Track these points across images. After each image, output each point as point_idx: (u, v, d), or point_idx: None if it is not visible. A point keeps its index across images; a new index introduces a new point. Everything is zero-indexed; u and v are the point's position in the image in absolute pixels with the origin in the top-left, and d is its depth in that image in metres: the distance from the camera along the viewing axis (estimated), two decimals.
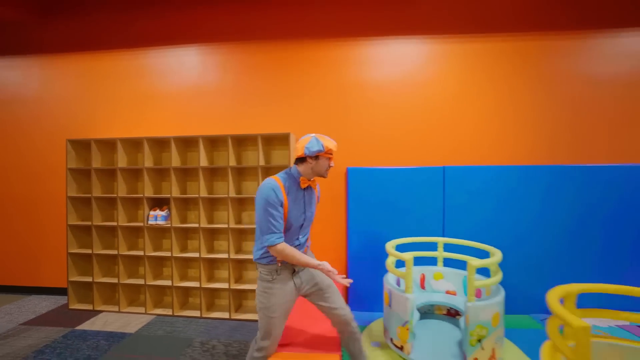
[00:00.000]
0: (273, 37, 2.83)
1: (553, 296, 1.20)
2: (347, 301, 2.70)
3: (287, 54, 2.82)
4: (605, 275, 2.54)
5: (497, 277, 1.85)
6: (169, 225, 2.71)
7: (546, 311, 2.57)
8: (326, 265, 1.45)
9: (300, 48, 2.81)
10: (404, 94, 2.74)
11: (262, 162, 2.61)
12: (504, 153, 2.71)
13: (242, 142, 2.80)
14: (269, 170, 2.76)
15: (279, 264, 1.48)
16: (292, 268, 1.51)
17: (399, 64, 2.74)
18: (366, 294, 2.63)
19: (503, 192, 2.58)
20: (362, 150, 2.74)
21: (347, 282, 1.45)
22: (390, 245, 2.11)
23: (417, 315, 2.06)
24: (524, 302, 2.57)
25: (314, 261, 1.45)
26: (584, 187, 2.54)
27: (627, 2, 2.64)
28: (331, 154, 1.52)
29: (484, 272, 2.48)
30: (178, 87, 2.96)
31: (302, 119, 2.79)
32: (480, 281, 1.78)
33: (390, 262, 2.04)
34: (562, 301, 1.33)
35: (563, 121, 2.68)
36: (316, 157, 1.48)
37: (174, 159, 2.71)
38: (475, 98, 2.71)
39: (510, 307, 2.50)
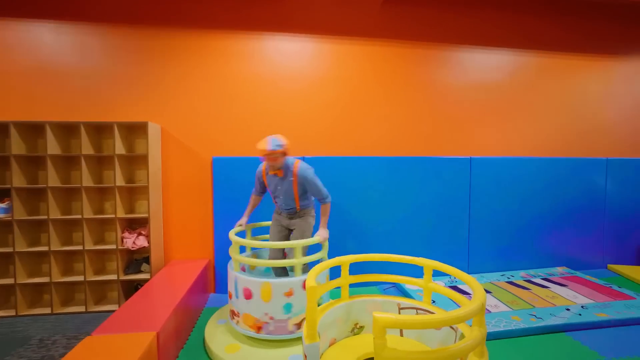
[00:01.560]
0: (149, 22, 2.76)
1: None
2: (214, 284, 2.81)
3: (160, 41, 2.77)
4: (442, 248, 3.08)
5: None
6: (10, 218, 2.49)
7: (393, 284, 3.01)
8: None
9: (176, 36, 2.78)
10: (282, 88, 2.91)
11: (121, 151, 2.55)
12: (370, 145, 3.06)
13: (102, 130, 2.69)
14: (130, 160, 2.71)
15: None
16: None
17: (281, 60, 2.89)
18: None
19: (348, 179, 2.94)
20: (230, 142, 2.85)
21: None
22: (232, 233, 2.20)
23: None
24: None
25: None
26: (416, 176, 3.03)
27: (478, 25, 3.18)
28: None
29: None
30: (25, 65, 2.69)
31: (172, 109, 2.78)
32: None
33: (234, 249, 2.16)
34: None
35: (424, 118, 3.14)
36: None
37: (15, 146, 2.49)
38: (342, 95, 3.01)
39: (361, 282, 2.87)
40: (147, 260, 2.60)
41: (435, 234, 3.07)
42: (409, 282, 1.67)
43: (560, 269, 3.22)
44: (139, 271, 2.59)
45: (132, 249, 2.44)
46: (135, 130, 2.74)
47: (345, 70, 3.00)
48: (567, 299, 2.52)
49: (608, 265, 3.37)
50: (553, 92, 3.43)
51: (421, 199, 3.03)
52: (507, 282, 2.90)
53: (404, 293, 2.71)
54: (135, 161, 2.75)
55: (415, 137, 3.17)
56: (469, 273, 3.14)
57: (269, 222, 2.41)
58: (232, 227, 2.77)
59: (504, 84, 3.33)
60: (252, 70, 2.86)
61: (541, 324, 2.13)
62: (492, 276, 3.05)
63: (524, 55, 3.34)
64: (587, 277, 2.98)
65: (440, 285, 1.63)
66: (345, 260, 1.67)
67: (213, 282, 2.82)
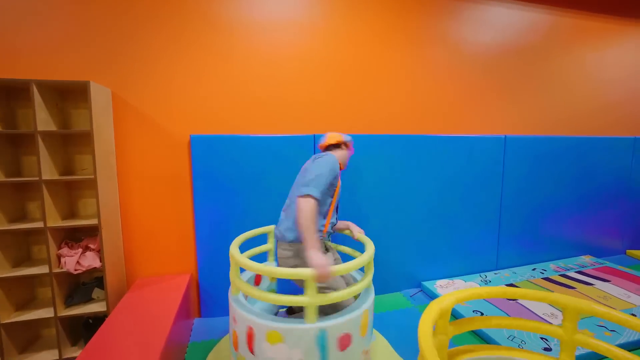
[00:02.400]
0: None
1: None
2: (199, 307, 2.13)
3: None
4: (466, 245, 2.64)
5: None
6: None
7: (416, 285, 2.54)
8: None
9: None
10: (279, 46, 2.14)
11: (48, 126, 1.68)
12: (388, 122, 2.45)
13: (14, 93, 1.77)
14: (65, 140, 1.85)
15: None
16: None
17: (276, 10, 2.10)
18: (221, 298, 2.10)
19: (380, 161, 2.34)
20: (216, 114, 2.08)
21: None
22: (235, 246, 1.51)
23: None
24: (393, 278, 2.47)
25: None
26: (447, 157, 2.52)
27: None
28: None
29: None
30: None
31: (129, 66, 1.91)
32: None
33: (234, 274, 1.47)
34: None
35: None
36: (347, 145, 1.69)
37: None
38: (362, 57, 2.33)
39: (380, 287, 2.36)
40: (100, 282, 1.83)
41: (461, 223, 2.61)
42: (546, 332, 1.15)
43: (587, 259, 2.97)
44: (89, 299, 1.82)
45: (76, 272, 1.65)
46: (69, 96, 1.85)
47: (353, 26, 2.31)
48: (620, 298, 2.23)
49: (627, 250, 3.22)
50: (588, 60, 3.05)
51: (446, 184, 2.53)
52: (543, 279, 2.57)
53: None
54: (72, 141, 1.87)
55: (436, 112, 2.63)
56: (497, 268, 2.77)
57: None
58: (219, 230, 2.07)
59: (538, 46, 2.85)
60: (244, 17, 2.06)
61: (622, 340, 1.76)
62: (523, 271, 2.71)
63: (560, 15, 2.88)
64: (620, 268, 2.75)
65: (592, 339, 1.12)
66: (448, 303, 1.11)
67: (197, 303, 2.13)
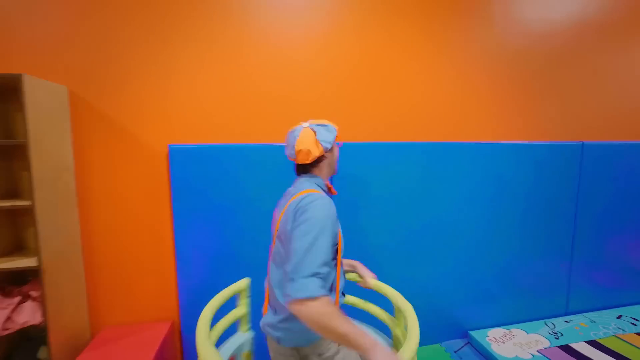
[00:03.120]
0: None
1: None
2: None
3: None
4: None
5: None
6: None
7: (461, 335, 1.97)
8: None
9: None
10: (274, 47, 1.64)
11: None
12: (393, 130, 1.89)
13: None
14: (8, 152, 1.44)
15: None
16: None
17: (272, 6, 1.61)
18: None
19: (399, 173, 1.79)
20: (200, 120, 1.61)
21: None
22: (203, 331, 0.94)
23: None
24: (429, 326, 1.91)
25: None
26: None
27: None
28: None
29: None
30: None
31: (91, 60, 1.48)
32: None
33: None
34: None
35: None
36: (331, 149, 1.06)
37: None
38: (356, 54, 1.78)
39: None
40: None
41: (520, 253, 2.00)
42: None
43: None
44: None
45: (5, 333, 1.23)
46: (11, 96, 1.44)
47: (358, 22, 1.76)
48: None
49: None
50: None
51: (499, 202, 1.92)
52: (638, 334, 1.91)
53: (486, 356, 1.66)
54: (16, 154, 1.47)
55: (476, 115, 2.02)
56: (568, 313, 2.14)
57: None
58: (206, 264, 1.60)
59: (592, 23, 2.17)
60: (235, 11, 1.58)
61: None
62: (604, 319, 2.06)
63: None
64: None
65: None
66: None
67: (181, 355, 1.69)
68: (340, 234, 0.99)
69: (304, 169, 1.04)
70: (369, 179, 1.73)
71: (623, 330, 1.95)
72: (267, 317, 1.00)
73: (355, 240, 1.69)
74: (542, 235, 2.03)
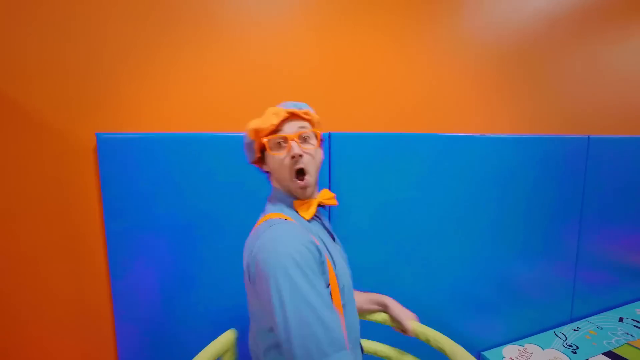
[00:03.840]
0: None
1: None
2: None
3: None
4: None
5: None
6: None
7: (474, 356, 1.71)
8: None
9: None
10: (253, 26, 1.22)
11: None
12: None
13: None
14: None
15: None
16: None
17: None
18: None
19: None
20: (152, 99, 1.14)
21: None
22: None
23: None
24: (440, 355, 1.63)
25: None
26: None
27: None
28: (274, 132, 0.71)
29: None
30: None
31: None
32: None
33: None
34: None
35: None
36: (262, 153, 0.77)
37: None
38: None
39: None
40: None
41: (526, 261, 1.81)
42: None
43: None
44: None
45: None
46: None
47: (336, 11, 1.44)
48: None
49: None
50: None
51: (502, 203, 1.70)
52: None
53: None
54: None
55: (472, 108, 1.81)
56: (572, 319, 1.99)
57: None
58: (157, 309, 1.14)
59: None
60: None
61: None
62: (609, 324, 1.94)
63: None
64: None
65: None
66: None
67: None
68: (331, 266, 0.65)
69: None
70: (357, 173, 1.39)
71: (632, 335, 1.83)
72: None
73: (356, 249, 1.33)
74: (547, 237, 1.85)
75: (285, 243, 0.57)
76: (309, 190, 0.71)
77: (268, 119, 0.69)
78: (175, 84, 1.16)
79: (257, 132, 0.71)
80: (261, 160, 0.77)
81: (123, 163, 1.05)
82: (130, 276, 1.09)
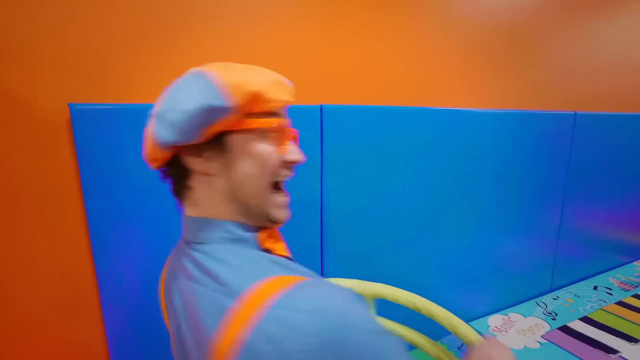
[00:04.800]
0: None
1: None
2: None
3: None
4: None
5: None
6: None
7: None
8: None
9: None
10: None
11: None
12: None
13: None
14: None
15: None
16: None
17: None
18: None
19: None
20: (125, 60, 1.04)
21: None
22: None
23: None
24: (427, 321, 1.68)
25: None
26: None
27: None
28: (275, 112, 0.44)
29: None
30: None
31: None
32: None
33: None
34: None
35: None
36: (214, 140, 0.42)
37: None
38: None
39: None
40: None
41: (512, 234, 1.87)
42: None
43: None
44: None
45: None
46: None
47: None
48: None
49: None
50: None
51: (486, 176, 1.72)
52: (617, 304, 1.93)
53: None
54: None
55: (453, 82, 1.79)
56: (552, 289, 2.10)
57: None
58: (141, 281, 1.09)
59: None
60: None
61: None
62: (585, 292, 2.06)
63: None
64: None
65: None
66: None
67: None
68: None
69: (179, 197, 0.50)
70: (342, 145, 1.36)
71: (604, 301, 1.95)
72: None
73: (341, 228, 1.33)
74: (531, 212, 1.90)
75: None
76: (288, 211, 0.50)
77: (277, 90, 0.44)
78: (151, 52, 1.06)
79: (254, 98, 0.41)
80: (201, 148, 0.43)
81: (98, 135, 0.97)
82: (114, 247, 1.04)
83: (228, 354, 0.33)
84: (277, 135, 0.46)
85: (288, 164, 0.47)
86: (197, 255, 0.43)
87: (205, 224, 0.45)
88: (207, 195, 0.45)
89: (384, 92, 1.49)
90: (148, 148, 0.46)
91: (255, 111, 0.43)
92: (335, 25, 1.33)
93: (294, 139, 0.50)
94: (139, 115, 0.99)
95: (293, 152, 0.48)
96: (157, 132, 0.41)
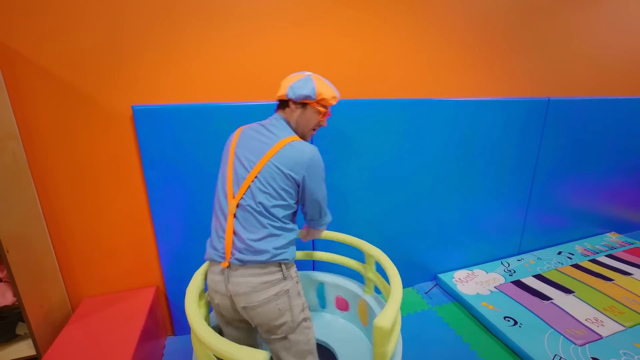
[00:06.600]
0: None
1: None
2: (171, 324, 1.73)
3: None
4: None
5: None
6: None
7: (430, 278, 2.19)
8: None
9: None
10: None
11: None
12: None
13: None
14: None
15: None
16: None
17: None
18: None
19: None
20: (170, 78, 1.43)
21: None
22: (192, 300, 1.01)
23: None
24: (403, 271, 2.08)
25: None
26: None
27: None
28: (326, 106, 1.11)
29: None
30: None
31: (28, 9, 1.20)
32: None
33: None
34: None
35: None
36: (302, 104, 1.07)
37: None
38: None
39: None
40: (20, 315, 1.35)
41: (484, 202, 2.18)
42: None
43: (613, 237, 2.67)
44: (13, 337, 1.36)
45: None
46: None
47: None
48: None
49: None
50: None
51: (464, 156, 2.02)
52: (572, 266, 2.25)
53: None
54: None
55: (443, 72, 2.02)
56: (520, 252, 2.44)
57: None
58: (186, 226, 1.56)
59: None
60: None
61: None
62: (548, 256, 2.39)
63: None
64: None
65: None
66: None
67: (169, 319, 1.72)
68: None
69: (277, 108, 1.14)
70: (350, 135, 1.71)
71: (561, 263, 2.28)
72: (263, 243, 0.97)
73: (341, 190, 1.73)
74: (504, 184, 2.19)
75: (318, 157, 1.04)
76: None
77: (332, 99, 1.09)
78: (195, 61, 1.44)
79: (332, 99, 1.09)
80: (297, 105, 1.07)
81: (159, 131, 1.39)
82: (165, 207, 1.50)
83: (275, 151, 1.00)
84: (322, 114, 1.11)
85: (319, 126, 1.14)
86: (269, 127, 1.07)
87: (282, 120, 1.10)
88: (289, 117, 1.10)
89: (361, 86, 1.79)
90: (281, 91, 1.09)
91: (320, 103, 1.08)
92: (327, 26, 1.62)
93: (328, 117, 1.15)
94: (180, 112, 1.40)
95: (324, 122, 1.14)
96: (288, 93, 1.06)
